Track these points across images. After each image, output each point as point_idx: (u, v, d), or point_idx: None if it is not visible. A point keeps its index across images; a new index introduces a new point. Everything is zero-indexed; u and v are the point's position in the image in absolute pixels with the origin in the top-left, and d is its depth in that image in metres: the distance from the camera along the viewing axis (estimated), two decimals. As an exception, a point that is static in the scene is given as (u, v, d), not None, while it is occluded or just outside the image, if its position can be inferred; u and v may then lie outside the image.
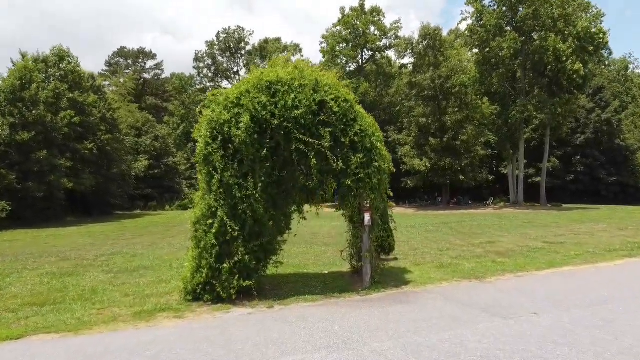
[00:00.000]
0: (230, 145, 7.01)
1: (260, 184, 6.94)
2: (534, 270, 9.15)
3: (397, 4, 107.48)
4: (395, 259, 10.60)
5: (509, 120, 35.19)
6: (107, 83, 49.04)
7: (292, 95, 7.03)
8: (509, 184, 38.66)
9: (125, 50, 65.48)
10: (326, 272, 9.36)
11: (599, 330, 5.34)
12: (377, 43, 48.36)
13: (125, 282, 8.64)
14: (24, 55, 29.30)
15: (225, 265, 6.81)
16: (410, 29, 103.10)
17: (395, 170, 8.54)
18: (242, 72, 59.92)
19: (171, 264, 10.62)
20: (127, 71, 63.39)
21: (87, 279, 9.12)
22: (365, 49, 49.24)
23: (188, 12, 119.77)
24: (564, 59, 31.67)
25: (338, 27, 48.17)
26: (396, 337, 5.25)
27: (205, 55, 60.89)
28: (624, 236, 14.12)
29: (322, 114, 7.13)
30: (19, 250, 14.44)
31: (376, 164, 7.37)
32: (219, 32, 61.92)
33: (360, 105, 8.10)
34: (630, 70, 58.83)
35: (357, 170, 7.20)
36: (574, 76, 31.71)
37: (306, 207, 8.09)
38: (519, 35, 33.81)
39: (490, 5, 35.60)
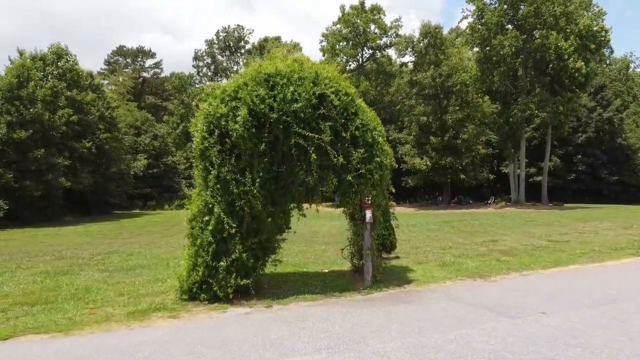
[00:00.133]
0: (227, 140, 6.80)
1: (258, 180, 6.72)
2: (539, 268, 8.93)
3: (397, 4, 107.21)
4: (397, 257, 10.39)
5: (510, 119, 34.96)
6: (105, 82, 48.81)
7: (291, 88, 6.82)
8: (510, 183, 38.44)
9: (124, 49, 65.20)
10: (326, 270, 9.15)
11: (611, 331, 5.12)
12: (378, 41, 48.11)
13: (120, 281, 8.43)
14: (21, 53, 29.10)
15: (222, 263, 6.60)
16: (411, 28, 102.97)
17: (396, 166, 8.33)
18: (242, 71, 59.66)
19: (168, 262, 10.41)
20: (126, 70, 63.13)
21: (81, 277, 8.91)
22: (365, 48, 48.99)
23: (188, 12, 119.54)
24: (566, 57, 31.44)
25: (338, 26, 47.94)
26: (399, 337, 5.03)
27: (204, 54, 60.72)
28: (629, 235, 13.89)
29: (322, 108, 6.92)
30: (15, 249, 14.24)
31: (378, 159, 7.15)
32: (218, 30, 61.88)
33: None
34: (631, 69, 58.66)
35: (358, 166, 6.97)
36: (576, 74, 31.48)
37: (305, 206, 7.89)
38: (521, 33, 33.60)
39: (492, 3, 35.38)
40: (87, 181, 29.77)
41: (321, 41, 48.72)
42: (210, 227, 6.63)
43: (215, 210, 6.65)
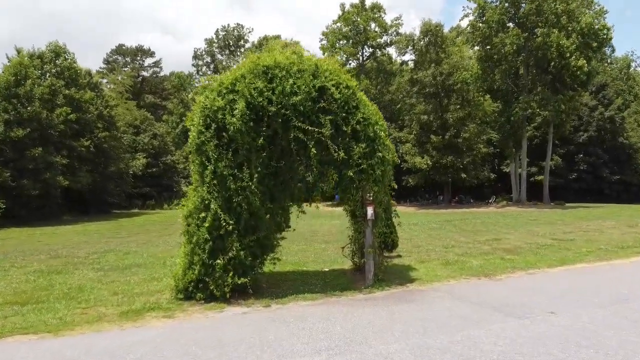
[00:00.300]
0: (224, 134, 6.58)
1: (256, 175, 6.49)
2: (545, 267, 8.71)
3: (397, 4, 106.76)
4: (399, 256, 10.17)
5: (512, 118, 34.69)
6: (104, 80, 48.57)
7: (291, 81, 6.60)
8: (512, 182, 38.16)
9: (124, 47, 64.88)
10: (326, 269, 8.93)
11: (625, 331, 4.90)
12: (378, 40, 47.89)
13: (115, 280, 8.21)
14: (19, 51, 28.88)
15: (218, 261, 6.37)
16: (411, 27, 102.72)
17: (399, 161, 8.11)
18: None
19: (165, 261, 10.18)
20: (125, 69, 62.86)
21: (75, 276, 8.69)
22: (365, 46, 48.75)
23: (188, 12, 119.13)
24: (568, 55, 31.17)
25: (338, 24, 47.71)
26: (403, 338, 4.81)
27: (204, 53, 60.44)
28: (635, 233, 13.67)
29: (322, 101, 6.70)
30: (10, 248, 14.01)
31: (380, 154, 6.93)
32: (217, 29, 61.50)
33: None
34: (632, 68, 58.38)
35: (360, 161, 6.76)
36: (578, 72, 31.22)
37: (305, 204, 7.67)
38: (522, 31, 33.35)
39: (493, 1, 35.09)
40: (86, 180, 29.52)
41: (321, 39, 48.58)
42: (206, 224, 6.41)
43: (212, 206, 6.43)
